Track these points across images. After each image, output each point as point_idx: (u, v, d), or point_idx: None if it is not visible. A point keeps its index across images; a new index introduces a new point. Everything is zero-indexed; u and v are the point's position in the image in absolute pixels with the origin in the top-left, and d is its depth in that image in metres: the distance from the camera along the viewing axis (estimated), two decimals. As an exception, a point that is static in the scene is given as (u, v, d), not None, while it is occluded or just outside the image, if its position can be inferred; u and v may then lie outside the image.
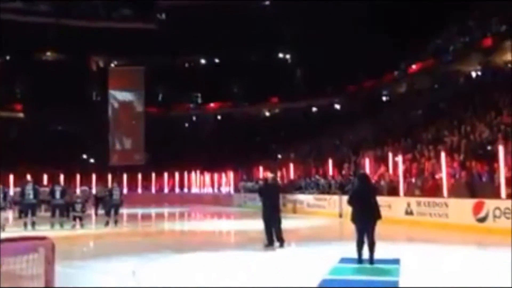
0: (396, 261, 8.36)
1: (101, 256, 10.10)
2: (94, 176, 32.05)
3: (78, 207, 16.37)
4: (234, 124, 47.44)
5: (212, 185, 35.43)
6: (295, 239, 12.14)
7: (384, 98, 40.23)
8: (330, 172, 22.49)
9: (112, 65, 49.74)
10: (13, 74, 45.31)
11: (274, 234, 10.72)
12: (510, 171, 13.26)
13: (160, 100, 50.12)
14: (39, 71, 44.88)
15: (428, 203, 14.72)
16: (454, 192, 14.34)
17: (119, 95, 43.95)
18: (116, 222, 16.82)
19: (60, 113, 43.81)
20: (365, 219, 8.22)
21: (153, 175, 38.85)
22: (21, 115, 45.96)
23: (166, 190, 38.97)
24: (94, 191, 25.78)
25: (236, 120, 48.09)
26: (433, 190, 15.29)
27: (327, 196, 20.31)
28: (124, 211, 23.03)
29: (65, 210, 17.02)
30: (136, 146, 42.89)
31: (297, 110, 45.56)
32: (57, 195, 16.72)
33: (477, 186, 14.03)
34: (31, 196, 15.97)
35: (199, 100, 51.15)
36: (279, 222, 10.79)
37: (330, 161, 22.67)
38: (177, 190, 38.85)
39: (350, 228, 8.48)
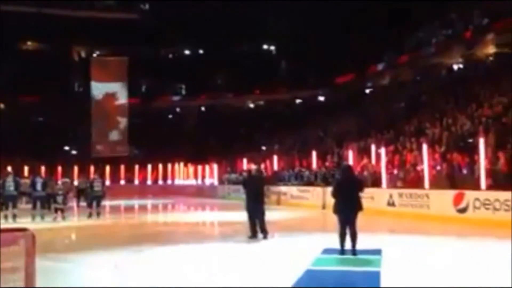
0: (378, 252, 8.46)
1: (84, 249, 10.03)
2: (76, 168, 31.76)
3: (59, 199, 16.21)
4: (218, 115, 47.30)
5: (196, 177, 35.36)
6: (279, 230, 12.19)
7: (367, 90, 40.45)
8: (314, 163, 22.59)
9: (95, 55, 49.13)
10: (-7, 64, 44.54)
11: (257, 226, 10.76)
12: (490, 163, 13.46)
13: (143, 91, 49.70)
14: (20, 61, 44.16)
15: (410, 195, 14.90)
16: (435, 184, 14.52)
17: (102, 86, 43.38)
18: (98, 214, 16.70)
19: (42, 104, 43.23)
20: (348, 210, 8.29)
21: (136, 167, 38.62)
22: (1, 106, 45.25)
23: (149, 182, 38.80)
24: (76, 183, 25.55)
25: (220, 111, 47.93)
26: (415, 181, 15.46)
27: (310, 188, 20.42)
28: (107, 203, 22.89)
29: (47, 202, 16.85)
30: (119, 137, 42.48)
31: (281, 102, 45.58)
32: (38, 187, 16.55)
33: (458, 178, 14.23)
34: (12, 188, 15.76)
35: (183, 92, 50.85)
36: (262, 213, 10.82)
37: (314, 153, 22.78)
38: (160, 182, 38.72)
39: (333, 219, 8.54)
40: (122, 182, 38.31)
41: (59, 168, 30.63)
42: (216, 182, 32.01)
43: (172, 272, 7.48)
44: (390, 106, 30.41)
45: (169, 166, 38.11)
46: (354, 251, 8.16)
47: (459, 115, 20.13)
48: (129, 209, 23.55)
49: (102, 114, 42.98)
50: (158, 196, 31.94)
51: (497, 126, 16.54)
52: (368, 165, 19.03)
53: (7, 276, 4.19)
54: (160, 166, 38.36)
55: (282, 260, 8.28)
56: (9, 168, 18.24)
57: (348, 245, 8.23)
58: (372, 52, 36.41)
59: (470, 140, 16.37)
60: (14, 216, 15.54)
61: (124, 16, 47.44)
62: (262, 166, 24.38)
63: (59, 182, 20.11)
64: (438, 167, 15.51)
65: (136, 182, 38.81)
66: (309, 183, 21.13)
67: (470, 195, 12.84)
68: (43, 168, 27.96)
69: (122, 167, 38.12)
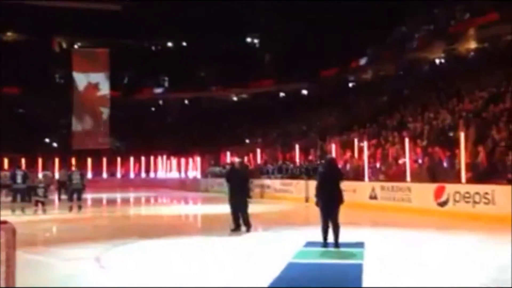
0: (360, 245, 8.53)
1: (65, 242, 9.92)
2: (57, 160, 31.40)
3: (40, 191, 16.00)
4: (201, 108, 47.14)
5: (179, 170, 35.23)
6: (262, 223, 12.21)
7: (350, 85, 40.66)
8: (297, 157, 22.67)
9: (76, 46, 48.50)
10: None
11: (241, 219, 10.77)
12: (470, 157, 13.64)
13: (126, 83, 49.26)
14: (0, 52, 43.34)
15: (391, 188, 15.04)
16: (417, 177, 14.68)
17: (83, 78, 42.85)
18: (79, 207, 16.51)
19: (22, 95, 42.58)
20: (329, 203, 8.32)
21: (119, 159, 38.32)
22: (-20, 97, 44.44)
23: (132, 174, 38.55)
24: (57, 175, 25.24)
25: (203, 104, 47.78)
26: (397, 175, 15.61)
27: (293, 181, 20.48)
28: (88, 196, 22.67)
29: (27, 195, 16.61)
30: (101, 129, 42.08)
31: (264, 95, 45.58)
32: (19, 179, 16.33)
33: (439, 171, 14.39)
34: (-9, 181, 15.53)
35: (166, 84, 50.52)
36: (245, 207, 10.82)
37: (297, 147, 22.83)
38: (143, 175, 38.50)
39: (316, 212, 8.57)
40: (104, 175, 37.99)
41: (40, 161, 30.23)
42: (199, 175, 31.93)
43: (155, 266, 7.44)
44: (373, 100, 30.62)
45: (152, 159, 37.89)
46: (336, 244, 8.20)
47: (441, 110, 20.35)
48: (111, 202, 23.36)
49: (83, 106, 42.51)
50: (140, 189, 31.75)
51: (477, 121, 16.77)
52: (351, 159, 19.15)
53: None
54: (143, 159, 38.13)
55: (265, 253, 8.30)
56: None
57: (330, 238, 8.27)
58: (355, 47, 36.57)
59: (451, 134, 16.57)
60: (-6, 209, 15.30)
61: (107, 7, 46.83)
62: (246, 159, 24.42)
63: (40, 174, 19.85)
64: (420, 161, 15.68)
65: (119, 175, 38.52)
66: (292, 177, 21.19)
67: (450, 188, 13.00)
68: (23, 161, 27.57)
69: (104, 160, 37.80)
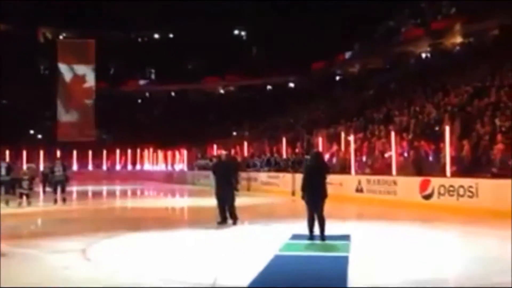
0: (346, 237, 8.58)
1: (50, 235, 9.85)
2: (41, 152, 31.08)
3: (25, 184, 15.85)
4: (188, 101, 46.93)
5: (166, 163, 35.10)
6: (248, 216, 12.23)
7: (337, 78, 40.77)
8: (284, 150, 22.69)
9: (61, 37, 47.90)
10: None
11: (227, 212, 10.77)
12: (455, 151, 13.77)
13: (112, 75, 48.83)
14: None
15: (377, 181, 15.13)
16: (403, 171, 14.79)
17: (69, 69, 42.42)
18: (64, 200, 16.35)
19: (6, 87, 41.95)
20: (314, 196, 8.36)
21: (105, 152, 38.04)
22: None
23: (118, 167, 38.30)
24: (42, 168, 25.00)
25: (190, 97, 47.57)
26: (383, 168, 15.71)
27: (280, 174, 20.52)
28: (74, 188, 22.52)
29: (11, 187, 16.43)
30: (86, 121, 41.73)
31: (252, 88, 45.52)
32: (3, 171, 16.16)
33: (424, 165, 14.51)
34: (-25, 173, 15.33)
35: (153, 76, 50.18)
36: (232, 199, 10.83)
37: (284, 140, 22.86)
38: (129, 167, 38.28)
39: (302, 205, 8.61)
40: (90, 167, 37.70)
41: (24, 153, 29.86)
42: (185, 168, 31.84)
43: (141, 258, 7.43)
44: (359, 94, 30.73)
45: (138, 151, 37.67)
46: (322, 237, 8.25)
47: (427, 104, 20.49)
48: (97, 194, 23.22)
49: (68, 98, 42.11)
50: (126, 182, 31.58)
51: (462, 115, 16.92)
52: (337, 152, 19.21)
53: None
54: (129, 151, 37.89)
55: (251, 246, 8.32)
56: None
57: (317, 230, 8.32)
58: (342, 40, 36.64)
59: (437, 128, 16.70)
60: (-23, 202, 15.13)
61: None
62: (232, 152, 24.40)
63: (24, 166, 19.64)
64: (406, 154, 15.79)
65: (104, 167, 38.25)
66: (279, 170, 21.23)
67: (435, 181, 13.13)
68: (7, 153, 27.22)
69: (90, 152, 37.49)
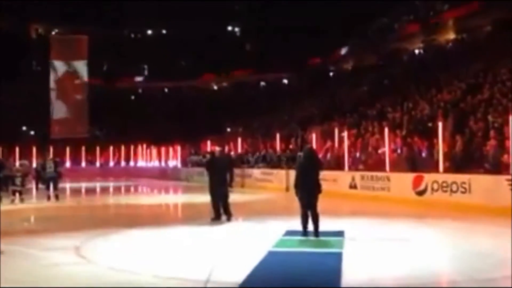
0: (340, 233, 8.60)
1: (43, 232, 9.81)
2: (34, 149, 30.92)
3: (17, 180, 15.78)
4: (182, 97, 46.80)
5: (159, 159, 35.01)
6: (242, 212, 12.23)
7: (331, 74, 40.79)
8: (278, 147, 22.70)
9: (53, 33, 47.58)
10: None
11: (221, 208, 10.76)
12: (448, 147, 13.83)
13: (105, 71, 48.59)
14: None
15: (371, 177, 15.18)
16: (396, 167, 14.84)
17: (61, 65, 42.14)
18: (56, 197, 16.26)
19: (-2, 83, 41.65)
20: (307, 192, 8.35)
21: (98, 148, 37.88)
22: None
23: (111, 164, 38.16)
24: (34, 164, 24.88)
25: (184, 93, 47.43)
26: (376, 164, 15.75)
27: (274, 171, 20.54)
28: (67, 185, 22.43)
29: (4, 184, 16.34)
30: (79, 118, 41.52)
31: (245, 84, 45.47)
32: (-5, 168, 16.06)
33: (417, 161, 14.57)
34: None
35: (146, 72, 50.00)
36: (226, 196, 10.82)
37: (278, 136, 22.86)
38: (123, 164, 38.15)
39: (296, 201, 8.61)
40: (83, 164, 37.55)
41: (17, 149, 29.67)
42: (179, 164, 31.78)
43: (134, 256, 7.41)
44: (353, 90, 30.77)
45: (132, 148, 37.55)
46: (316, 233, 8.25)
47: (420, 100, 20.55)
48: (91, 191, 23.15)
49: (61, 94, 41.87)
50: (120, 179, 31.49)
51: (455, 111, 16.99)
52: (331, 148, 19.24)
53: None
54: (123, 148, 37.76)
55: (245, 242, 8.33)
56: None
57: (310, 227, 8.32)
58: (337, 37, 36.65)
59: (430, 124, 16.77)
60: (-30, 199, 15.01)
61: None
62: (226, 148, 24.37)
63: (17, 163, 19.53)
64: (399, 151, 15.85)
65: (98, 164, 38.11)
66: (273, 166, 21.24)
67: (428, 177, 13.19)
68: (0, 149, 27.07)
69: (83, 149, 37.32)
